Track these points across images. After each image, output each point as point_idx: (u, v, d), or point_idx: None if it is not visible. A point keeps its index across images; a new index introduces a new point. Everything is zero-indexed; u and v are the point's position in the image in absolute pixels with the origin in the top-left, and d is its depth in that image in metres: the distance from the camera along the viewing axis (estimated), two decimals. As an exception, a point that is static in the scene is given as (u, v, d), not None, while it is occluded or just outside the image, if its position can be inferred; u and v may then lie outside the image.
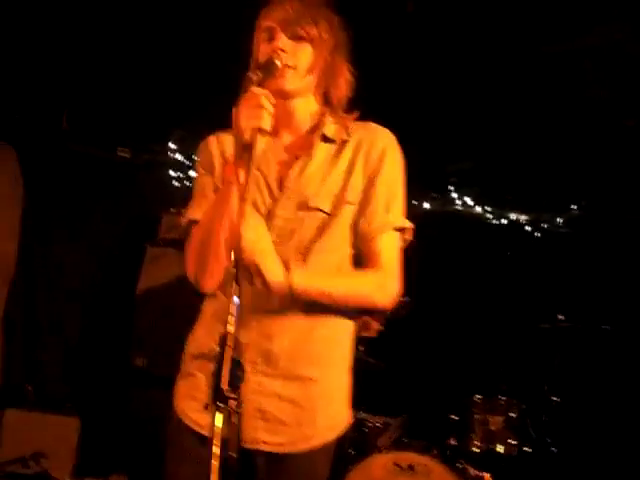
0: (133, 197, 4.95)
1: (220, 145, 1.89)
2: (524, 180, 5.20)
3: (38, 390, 4.57)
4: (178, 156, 5.02)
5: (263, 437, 1.75)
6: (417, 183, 1.91)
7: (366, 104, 1.88)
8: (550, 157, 4.77)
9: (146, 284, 4.37)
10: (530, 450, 3.76)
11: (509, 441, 3.71)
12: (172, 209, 4.43)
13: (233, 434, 1.35)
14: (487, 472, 3.56)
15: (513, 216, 5.73)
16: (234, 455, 1.37)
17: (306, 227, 1.77)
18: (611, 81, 3.86)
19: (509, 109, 4.29)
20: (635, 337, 4.63)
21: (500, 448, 3.69)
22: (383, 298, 1.81)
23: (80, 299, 4.81)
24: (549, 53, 3.71)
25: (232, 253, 1.48)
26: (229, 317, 1.37)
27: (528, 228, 5.77)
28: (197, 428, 1.75)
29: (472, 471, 3.54)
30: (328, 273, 1.79)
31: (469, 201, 5.61)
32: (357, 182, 1.81)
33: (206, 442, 1.35)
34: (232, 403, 1.33)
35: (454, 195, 5.55)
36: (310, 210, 1.78)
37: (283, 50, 1.75)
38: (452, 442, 3.78)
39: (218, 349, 1.36)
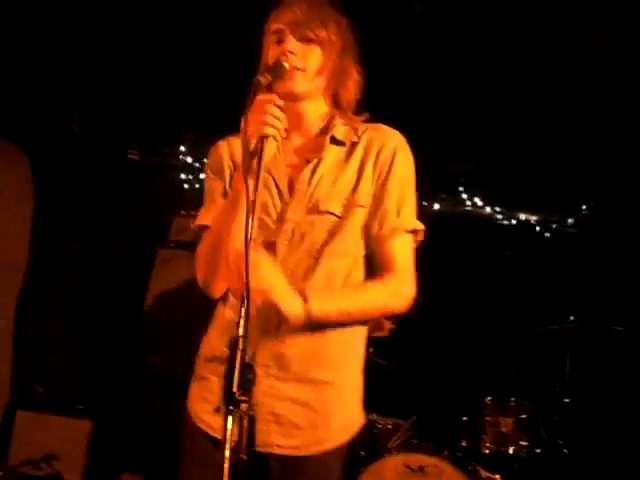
0: (143, 200, 4.96)
1: (230, 149, 1.90)
2: (534, 181, 5.19)
3: (49, 392, 4.59)
4: (188, 159, 5.03)
5: (277, 440, 1.75)
6: (427, 184, 1.91)
7: (374, 105, 1.88)
8: (560, 157, 4.76)
9: (157, 286, 4.38)
10: (541, 451, 3.75)
11: (520, 443, 3.69)
12: (182, 212, 4.43)
13: (244, 437, 1.36)
14: (498, 474, 3.55)
15: (523, 216, 5.72)
16: (244, 458, 1.37)
17: (317, 230, 1.77)
18: (619, 83, 3.84)
19: (519, 109, 4.28)
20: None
21: (511, 450, 3.68)
22: (399, 303, 1.81)
23: (91, 301, 4.83)
24: (559, 53, 3.70)
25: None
26: (240, 320, 1.37)
27: (538, 228, 5.75)
28: (210, 431, 1.75)
29: (483, 473, 3.53)
30: (344, 293, 1.78)
31: (479, 202, 5.60)
32: (367, 184, 1.81)
33: (219, 445, 1.35)
34: (243, 406, 1.34)
35: (464, 196, 5.54)
36: (321, 213, 1.78)
37: (292, 52, 1.75)
38: (463, 444, 3.77)
39: (229, 352, 1.37)
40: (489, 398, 3.80)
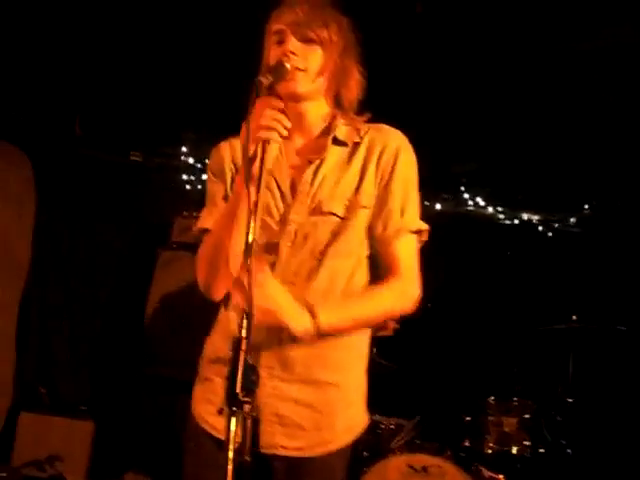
0: (145, 201, 4.96)
1: (232, 151, 1.89)
2: (536, 180, 5.18)
3: (52, 394, 4.60)
4: (190, 160, 5.04)
5: (281, 442, 1.74)
6: (429, 184, 1.90)
7: (375, 105, 1.88)
8: (562, 157, 4.76)
9: (159, 287, 4.38)
10: (545, 451, 3.74)
11: (523, 442, 3.69)
12: (184, 213, 4.44)
13: (247, 438, 1.36)
14: (501, 474, 3.55)
15: (525, 216, 5.72)
16: (248, 459, 1.37)
17: (320, 232, 1.77)
18: (620, 82, 3.84)
19: (521, 109, 4.28)
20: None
21: (514, 450, 3.67)
22: (406, 305, 1.81)
23: (93, 303, 4.83)
24: (560, 53, 3.70)
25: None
26: (243, 322, 1.37)
27: (540, 228, 5.75)
28: (214, 432, 1.75)
29: (486, 473, 3.52)
30: (351, 302, 1.77)
31: (481, 202, 5.60)
32: (370, 185, 1.80)
33: (223, 446, 1.34)
34: (247, 407, 1.33)
35: (466, 196, 5.54)
36: (324, 214, 1.77)
37: (293, 53, 1.74)
38: (466, 444, 3.77)
39: (231, 353, 1.37)
40: (492, 398, 3.79)
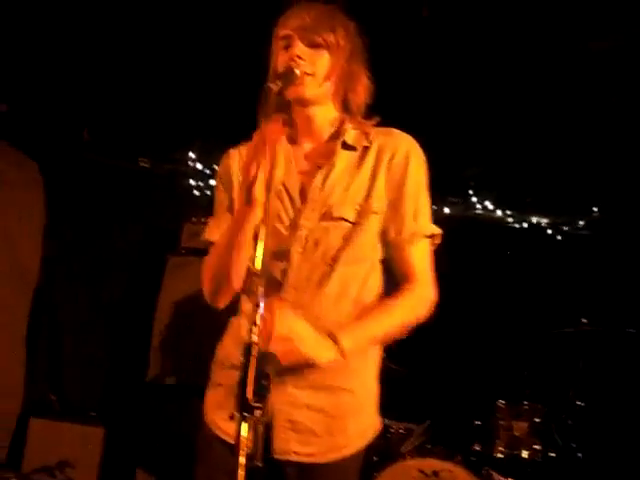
0: (154, 207, 4.97)
1: (241, 158, 1.87)
2: (544, 183, 5.17)
3: (62, 400, 4.61)
4: (198, 165, 5.04)
5: (295, 448, 1.74)
6: (437, 188, 1.90)
7: (382, 109, 1.88)
8: (570, 160, 4.74)
9: (168, 293, 4.39)
10: (555, 455, 3.73)
11: (534, 447, 3.68)
12: (193, 218, 4.44)
13: (259, 443, 1.36)
14: (512, 478, 3.54)
15: (534, 219, 5.69)
16: (259, 464, 1.36)
17: (331, 237, 1.76)
18: (629, 84, 3.83)
19: (529, 112, 4.27)
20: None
21: (525, 454, 3.66)
22: (424, 312, 1.81)
23: (102, 308, 4.84)
24: (568, 56, 3.69)
25: (255, 256, 1.47)
26: (253, 327, 1.37)
27: (549, 231, 5.73)
28: (226, 437, 1.74)
29: (497, 477, 3.51)
30: (371, 319, 1.76)
31: (489, 205, 5.58)
32: (381, 190, 1.80)
33: (235, 451, 1.34)
34: (258, 413, 1.33)
35: (474, 199, 5.52)
36: (335, 220, 1.77)
37: (300, 57, 1.74)
38: (476, 448, 3.76)
39: (242, 359, 1.37)
40: (502, 402, 3.78)
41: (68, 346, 4.75)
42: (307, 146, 1.87)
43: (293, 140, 1.87)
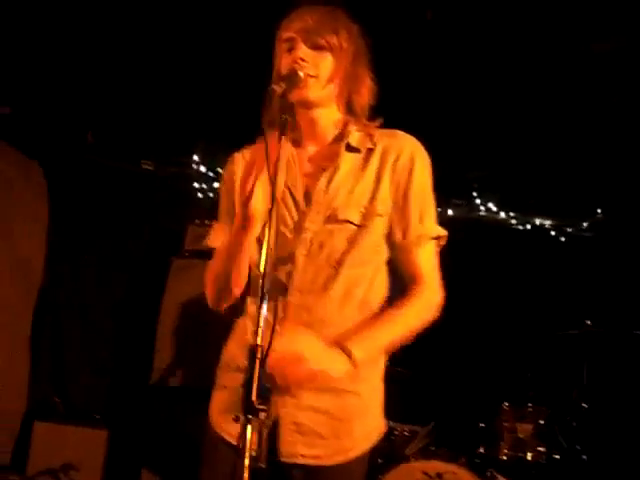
0: (158, 209, 4.98)
1: (245, 164, 1.85)
2: (548, 185, 5.16)
3: (66, 403, 4.61)
4: (202, 168, 5.05)
5: (301, 450, 1.74)
6: (440, 190, 1.90)
7: (385, 112, 1.88)
8: (574, 161, 4.74)
9: (172, 295, 4.39)
10: (560, 458, 3.72)
11: (538, 449, 3.67)
12: (197, 220, 4.44)
13: (263, 445, 1.36)
14: (516, 480, 3.53)
15: (537, 221, 5.69)
16: (263, 466, 1.37)
17: (336, 240, 1.76)
18: (633, 86, 3.83)
19: (533, 114, 4.27)
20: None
21: (529, 456, 3.65)
22: (432, 315, 1.82)
23: (106, 311, 4.85)
24: (571, 58, 3.69)
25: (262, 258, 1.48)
26: (258, 329, 1.37)
27: (553, 233, 5.72)
28: (231, 439, 1.73)
29: (501, 479, 3.50)
30: (381, 327, 1.76)
31: (493, 207, 5.58)
32: (386, 192, 1.80)
33: (240, 453, 1.35)
34: (262, 415, 1.34)
35: (478, 201, 5.52)
36: (339, 222, 1.77)
37: (304, 60, 1.74)
38: (481, 450, 3.75)
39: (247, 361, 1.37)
40: (507, 404, 3.78)
41: (72, 348, 4.75)
42: (311, 148, 1.87)
43: (297, 143, 1.87)
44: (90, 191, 4.79)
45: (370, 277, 1.79)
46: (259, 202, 1.62)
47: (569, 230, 5.65)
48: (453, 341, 4.92)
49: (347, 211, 1.77)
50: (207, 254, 1.93)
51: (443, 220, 1.89)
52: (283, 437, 1.72)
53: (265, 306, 1.41)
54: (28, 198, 4.63)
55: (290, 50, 1.78)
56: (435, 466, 3.36)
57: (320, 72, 1.76)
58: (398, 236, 1.80)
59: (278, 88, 1.62)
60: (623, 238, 5.18)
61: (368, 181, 1.80)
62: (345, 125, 1.86)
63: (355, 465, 1.80)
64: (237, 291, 1.81)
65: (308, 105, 1.80)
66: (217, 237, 1.87)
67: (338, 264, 1.75)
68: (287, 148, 1.82)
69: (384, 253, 1.82)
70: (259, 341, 1.37)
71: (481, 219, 5.55)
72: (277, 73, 1.81)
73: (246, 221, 1.64)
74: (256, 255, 1.59)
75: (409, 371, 3.89)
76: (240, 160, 1.90)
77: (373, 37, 1.89)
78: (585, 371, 3.96)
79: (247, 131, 1.75)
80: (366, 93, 1.87)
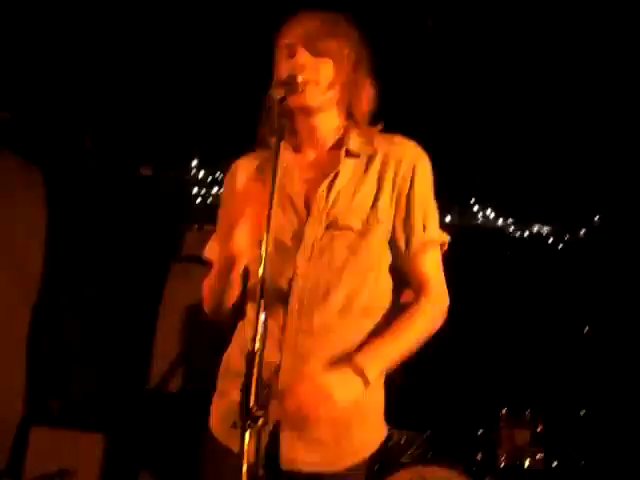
0: (156, 214, 4.98)
1: (247, 172, 1.87)
2: (546, 192, 5.18)
3: (62, 406, 4.60)
4: (201, 173, 5.06)
5: (302, 457, 1.73)
6: (439, 197, 1.90)
7: (385, 118, 1.88)
8: (571, 169, 4.75)
9: (170, 300, 4.38)
10: (558, 464, 3.72)
11: (536, 456, 3.67)
12: (195, 225, 4.44)
13: (261, 452, 1.36)
14: (514, 487, 3.53)
15: (535, 228, 5.70)
16: (261, 472, 1.36)
17: (337, 246, 1.75)
18: (633, 94, 3.84)
19: (531, 122, 4.28)
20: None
21: (527, 463, 3.65)
22: (440, 322, 1.82)
23: (103, 315, 4.84)
24: (570, 67, 3.70)
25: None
26: (256, 335, 1.37)
27: (551, 240, 5.73)
28: (230, 445, 1.72)
29: (499, 486, 3.50)
30: (391, 341, 1.75)
31: (491, 214, 5.59)
32: (387, 199, 1.79)
33: (239, 459, 1.34)
34: (260, 421, 1.34)
35: (476, 208, 5.54)
36: (340, 229, 1.76)
37: (304, 66, 1.74)
38: (478, 457, 3.74)
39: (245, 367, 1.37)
40: (504, 411, 3.77)
41: (69, 353, 4.74)
42: (311, 155, 1.86)
43: (296, 149, 1.86)
44: (87, 195, 4.78)
45: (372, 283, 1.78)
46: (242, 243, 1.63)
47: (567, 237, 5.67)
48: (451, 348, 4.92)
49: (348, 218, 1.76)
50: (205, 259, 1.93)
51: (440, 227, 1.89)
52: (284, 444, 1.72)
53: (264, 314, 1.40)
54: (26, 202, 4.62)
55: (290, 56, 1.77)
56: (432, 473, 3.35)
57: (320, 78, 1.76)
58: (402, 244, 1.80)
59: (277, 94, 1.62)
60: (620, 245, 5.19)
61: (369, 187, 1.80)
62: (345, 131, 1.85)
63: (354, 472, 1.79)
64: (231, 306, 1.83)
65: (307, 111, 1.80)
66: (213, 250, 1.86)
67: (339, 271, 1.74)
68: (286, 154, 1.82)
69: (386, 259, 1.81)
70: (257, 347, 1.37)
71: (479, 226, 5.56)
72: (276, 79, 1.80)
73: (228, 260, 1.66)
74: (255, 264, 1.59)
75: (407, 378, 3.88)
76: (241, 167, 1.90)
77: (374, 43, 1.90)
78: (583, 377, 3.96)
79: (246, 137, 1.75)
80: (366, 99, 1.86)
